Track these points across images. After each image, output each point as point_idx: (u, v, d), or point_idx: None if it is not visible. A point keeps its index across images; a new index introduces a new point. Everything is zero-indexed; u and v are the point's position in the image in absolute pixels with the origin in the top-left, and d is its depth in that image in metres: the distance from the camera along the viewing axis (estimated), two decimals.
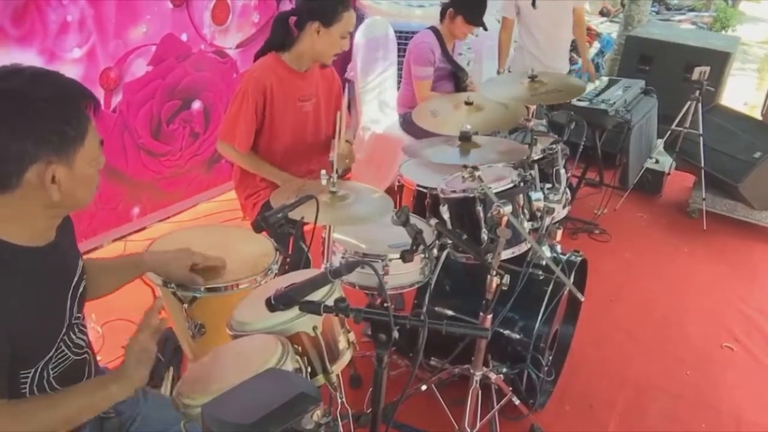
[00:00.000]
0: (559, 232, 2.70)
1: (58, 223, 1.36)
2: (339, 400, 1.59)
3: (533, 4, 4.12)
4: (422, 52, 3.66)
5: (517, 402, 2.45)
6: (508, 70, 4.43)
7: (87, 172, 1.28)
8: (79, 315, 1.42)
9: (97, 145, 1.29)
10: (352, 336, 1.65)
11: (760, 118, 5.02)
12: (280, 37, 2.56)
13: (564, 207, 2.79)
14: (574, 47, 4.86)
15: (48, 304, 1.31)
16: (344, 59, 4.40)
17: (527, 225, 2.45)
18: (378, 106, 4.25)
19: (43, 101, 1.20)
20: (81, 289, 1.43)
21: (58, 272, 1.36)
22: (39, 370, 1.30)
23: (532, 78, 2.90)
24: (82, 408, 1.28)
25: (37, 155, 1.20)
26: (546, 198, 2.57)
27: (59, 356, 1.35)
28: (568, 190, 2.93)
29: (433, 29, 3.72)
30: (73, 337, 1.38)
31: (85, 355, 1.45)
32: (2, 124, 1.18)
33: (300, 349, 1.49)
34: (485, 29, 3.79)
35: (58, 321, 1.34)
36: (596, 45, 7.44)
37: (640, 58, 5.53)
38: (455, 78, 3.83)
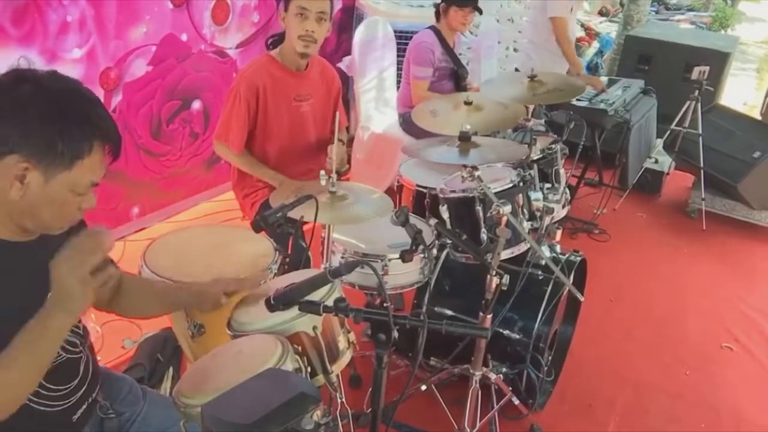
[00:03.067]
0: (559, 232, 2.70)
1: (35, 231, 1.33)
2: (339, 400, 1.59)
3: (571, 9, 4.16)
4: (421, 52, 3.68)
5: (516, 402, 2.45)
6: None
7: (62, 197, 1.25)
8: None
9: (87, 182, 1.27)
10: (352, 336, 1.65)
11: (759, 118, 5.03)
12: (280, 39, 2.57)
13: (563, 207, 2.80)
14: None
15: (28, 300, 1.27)
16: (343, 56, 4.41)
17: (527, 225, 2.46)
18: (377, 106, 4.25)
19: (60, 111, 1.21)
20: None
21: (42, 269, 1.34)
22: None
23: (532, 78, 2.91)
24: (32, 355, 1.19)
25: (19, 147, 1.19)
26: (545, 198, 2.58)
27: None
28: (567, 190, 2.93)
29: (433, 29, 3.75)
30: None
31: (81, 354, 1.44)
32: (18, 107, 1.19)
33: (300, 349, 1.49)
34: (480, 13, 3.79)
35: None
36: (595, 45, 7.45)
37: (640, 57, 5.54)
38: (455, 76, 3.84)
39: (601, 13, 10.15)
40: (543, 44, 4.30)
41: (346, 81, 4.46)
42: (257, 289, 1.76)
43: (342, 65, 4.31)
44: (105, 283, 1.23)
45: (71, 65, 2.96)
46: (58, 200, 1.26)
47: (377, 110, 4.24)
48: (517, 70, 4.42)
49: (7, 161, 1.20)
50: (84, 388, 1.46)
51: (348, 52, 4.32)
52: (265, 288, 1.74)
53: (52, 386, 1.36)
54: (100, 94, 3.14)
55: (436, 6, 3.77)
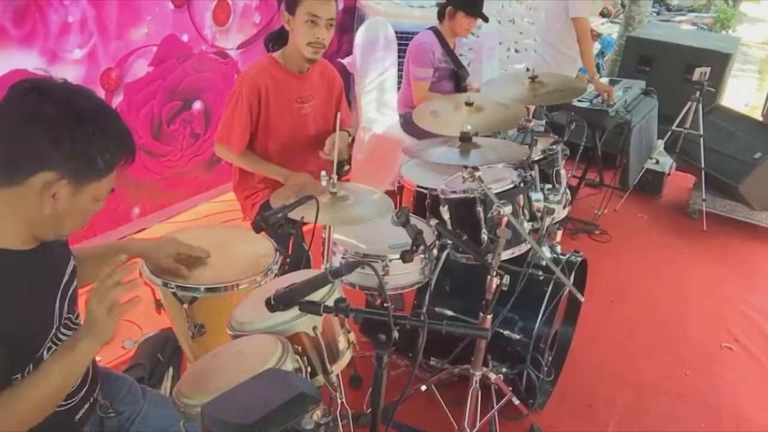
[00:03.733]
0: (559, 233, 2.70)
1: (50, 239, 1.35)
2: (339, 400, 1.59)
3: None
4: (422, 52, 3.67)
5: (516, 402, 2.45)
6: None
7: (86, 206, 1.31)
8: (70, 314, 1.41)
9: (108, 189, 1.34)
10: (352, 336, 1.65)
11: (760, 119, 5.03)
12: (278, 36, 2.57)
13: (564, 207, 2.80)
14: None
15: (34, 306, 1.31)
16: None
17: (527, 225, 2.46)
18: (378, 106, 4.25)
19: (99, 130, 1.25)
20: (72, 289, 1.42)
21: (45, 274, 1.35)
22: (30, 369, 1.30)
23: (533, 78, 2.90)
24: (63, 373, 1.28)
25: (56, 166, 1.22)
26: (546, 198, 2.58)
27: (51, 354, 1.34)
28: (568, 191, 2.93)
29: (434, 29, 3.73)
30: (62, 336, 1.38)
31: None
32: (51, 126, 1.21)
33: (300, 349, 1.49)
34: (486, 20, 3.78)
35: (47, 322, 1.33)
36: (597, 45, 7.45)
37: (641, 58, 5.54)
38: (456, 77, 3.83)
39: (602, 14, 10.13)
40: (559, 47, 4.24)
41: (348, 81, 4.47)
42: (257, 290, 1.77)
43: (345, 61, 4.30)
44: (128, 311, 1.32)
45: (72, 66, 2.96)
46: (82, 210, 1.31)
47: (378, 111, 4.24)
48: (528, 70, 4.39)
49: (42, 178, 1.22)
50: (86, 388, 1.47)
51: (349, 54, 4.32)
52: (265, 288, 1.74)
53: None
54: (100, 94, 3.13)
55: (441, 6, 3.72)
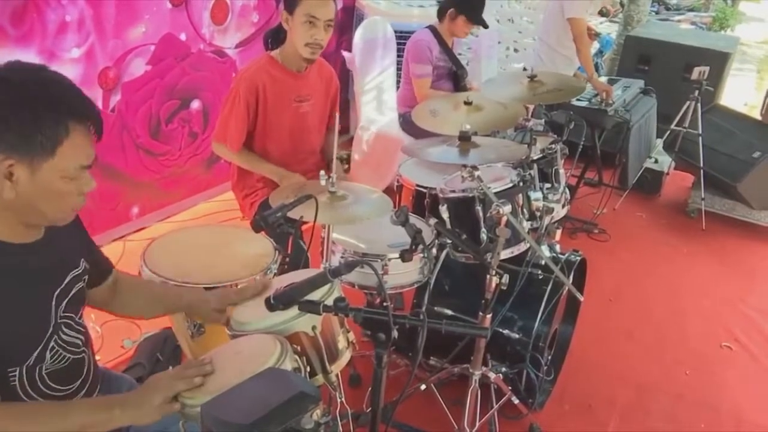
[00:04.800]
0: (558, 232, 2.70)
1: (42, 225, 1.34)
2: (338, 400, 1.59)
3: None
4: (419, 49, 3.66)
5: (516, 401, 2.45)
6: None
7: (56, 186, 1.24)
8: (70, 315, 1.40)
9: (75, 165, 1.25)
10: (351, 336, 1.65)
11: (759, 118, 5.03)
12: (277, 33, 2.56)
13: (563, 206, 2.79)
14: None
15: (28, 302, 1.30)
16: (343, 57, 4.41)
17: (526, 224, 2.45)
18: (377, 106, 4.25)
19: (26, 100, 1.20)
20: (75, 291, 1.41)
21: (44, 271, 1.34)
22: (29, 367, 1.30)
23: (532, 78, 2.90)
24: (83, 423, 1.26)
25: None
26: (545, 198, 2.57)
27: (54, 355, 1.34)
28: (567, 190, 2.93)
29: (431, 28, 3.72)
30: (64, 336, 1.37)
31: (83, 354, 1.45)
32: None
33: (299, 348, 1.48)
34: (486, 27, 3.79)
35: (42, 320, 1.32)
36: (596, 45, 7.45)
37: (640, 57, 5.54)
38: (455, 76, 3.83)
39: (601, 14, 10.10)
40: (555, 46, 4.25)
41: (347, 80, 4.46)
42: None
43: (347, 54, 4.28)
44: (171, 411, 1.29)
45: (70, 65, 2.95)
46: (52, 190, 1.25)
47: (377, 110, 4.23)
48: (525, 70, 4.39)
49: None
50: (86, 387, 1.47)
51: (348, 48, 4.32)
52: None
53: (58, 387, 1.37)
54: (98, 93, 3.13)
55: (442, 6, 3.70)
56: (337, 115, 2.38)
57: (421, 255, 2.25)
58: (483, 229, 2.32)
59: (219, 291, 1.75)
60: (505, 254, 2.24)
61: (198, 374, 1.32)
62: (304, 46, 2.43)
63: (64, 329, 1.38)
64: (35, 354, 1.30)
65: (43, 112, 1.21)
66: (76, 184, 1.27)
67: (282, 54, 2.55)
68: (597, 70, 6.63)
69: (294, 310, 1.43)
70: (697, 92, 4.14)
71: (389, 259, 2.20)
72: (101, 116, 1.31)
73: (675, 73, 5.21)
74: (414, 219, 2.14)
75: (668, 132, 4.37)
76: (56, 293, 1.36)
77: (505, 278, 2.04)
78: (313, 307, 1.39)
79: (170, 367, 2.36)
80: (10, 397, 1.28)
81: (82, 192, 1.30)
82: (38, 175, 1.22)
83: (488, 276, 2.08)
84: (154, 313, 1.76)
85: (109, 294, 1.63)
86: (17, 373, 1.29)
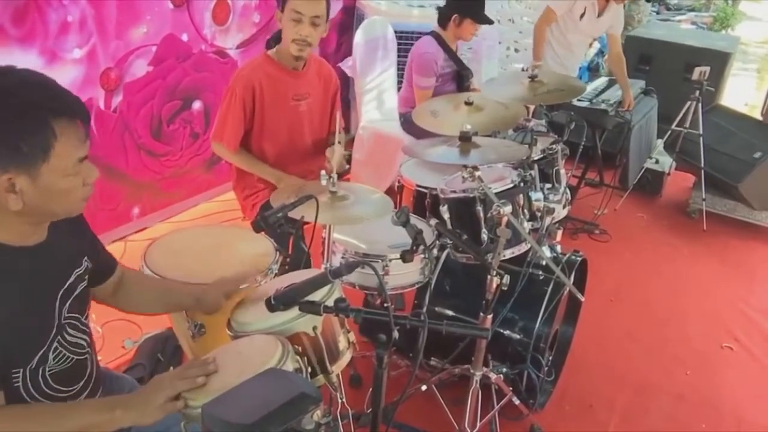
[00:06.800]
0: (559, 232, 2.70)
1: (47, 224, 1.35)
2: (339, 400, 1.59)
3: (581, 16, 4.10)
4: (425, 63, 3.63)
5: (517, 402, 2.45)
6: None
7: (59, 185, 1.24)
8: (75, 315, 1.40)
9: (74, 160, 1.24)
10: (352, 336, 1.65)
11: (760, 118, 5.03)
12: (279, 34, 2.57)
13: (564, 207, 2.79)
14: None
15: (33, 303, 1.30)
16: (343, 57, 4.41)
17: (527, 225, 2.46)
18: (378, 106, 4.25)
19: (5, 113, 1.17)
20: (79, 290, 1.42)
21: (47, 272, 1.34)
22: (32, 368, 1.30)
23: (532, 78, 2.90)
24: (85, 424, 1.27)
25: None
26: (546, 198, 2.58)
27: (57, 356, 1.34)
28: (568, 190, 2.93)
29: (434, 34, 3.68)
30: (69, 337, 1.38)
31: (87, 355, 1.45)
32: None
33: (300, 349, 1.49)
34: (491, 23, 3.78)
35: (46, 321, 1.33)
36: (596, 45, 7.43)
37: (640, 58, 5.54)
38: (459, 77, 3.82)
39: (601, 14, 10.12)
40: (553, 45, 4.26)
41: (347, 82, 4.46)
42: (257, 289, 1.77)
43: (344, 66, 4.30)
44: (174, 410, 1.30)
45: (71, 65, 2.96)
46: (57, 190, 1.24)
47: (378, 110, 4.23)
48: (524, 70, 4.39)
49: None
50: (89, 388, 1.47)
51: (349, 53, 4.32)
52: (265, 288, 1.74)
53: (62, 388, 1.38)
54: (100, 94, 3.14)
55: (444, 12, 3.66)
56: (339, 113, 2.38)
57: (422, 255, 2.25)
58: (484, 230, 2.32)
59: (218, 282, 1.77)
60: (506, 255, 2.24)
61: (201, 374, 1.33)
62: (291, 43, 2.44)
63: (69, 330, 1.38)
64: (38, 355, 1.31)
65: (24, 121, 1.18)
66: (78, 177, 1.27)
67: (278, 52, 2.55)
68: (598, 70, 6.64)
69: (295, 311, 1.43)
70: (697, 92, 4.14)
71: (390, 260, 2.19)
72: (83, 104, 1.29)
73: (676, 73, 5.21)
74: (415, 219, 2.13)
75: (669, 132, 4.37)
76: (60, 293, 1.36)
77: (506, 279, 2.05)
78: (313, 308, 1.39)
79: (171, 368, 2.38)
80: (13, 398, 1.28)
81: (86, 183, 1.30)
82: (40, 181, 1.21)
83: (489, 276, 2.08)
84: (160, 309, 1.77)
85: (115, 290, 1.64)
86: (20, 374, 1.29)
